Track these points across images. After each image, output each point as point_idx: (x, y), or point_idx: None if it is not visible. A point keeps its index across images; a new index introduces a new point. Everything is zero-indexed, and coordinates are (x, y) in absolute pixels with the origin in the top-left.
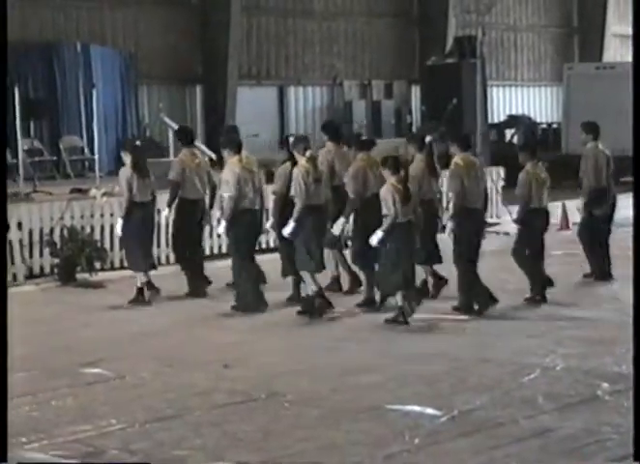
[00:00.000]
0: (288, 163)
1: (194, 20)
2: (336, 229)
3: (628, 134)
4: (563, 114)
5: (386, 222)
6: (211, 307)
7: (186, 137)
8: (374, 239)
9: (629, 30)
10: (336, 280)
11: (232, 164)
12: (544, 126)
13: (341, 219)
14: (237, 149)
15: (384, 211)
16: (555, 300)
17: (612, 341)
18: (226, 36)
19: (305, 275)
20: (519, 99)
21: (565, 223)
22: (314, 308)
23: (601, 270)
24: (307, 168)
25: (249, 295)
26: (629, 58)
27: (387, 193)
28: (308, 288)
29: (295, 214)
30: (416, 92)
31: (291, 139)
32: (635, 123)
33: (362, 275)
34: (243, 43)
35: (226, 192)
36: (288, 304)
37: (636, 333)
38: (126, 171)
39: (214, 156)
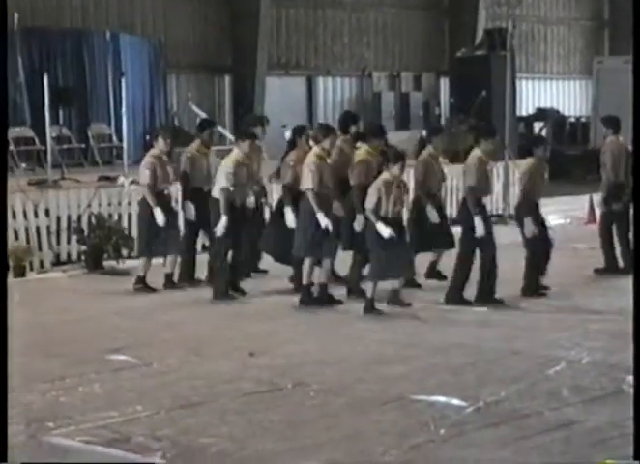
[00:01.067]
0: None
1: (224, 10)
2: (357, 225)
3: None
4: (592, 108)
5: (372, 215)
6: (237, 297)
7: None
8: (384, 233)
9: None
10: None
11: (233, 155)
12: (573, 120)
13: (359, 216)
14: (244, 139)
15: (369, 205)
16: (579, 292)
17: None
18: (256, 26)
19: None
20: (548, 92)
21: (592, 217)
22: (312, 298)
23: (615, 264)
24: (323, 157)
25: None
26: None
27: (375, 189)
28: (322, 275)
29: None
30: (445, 84)
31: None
32: (635, 123)
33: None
34: (272, 33)
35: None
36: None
37: (636, 334)
38: (149, 159)
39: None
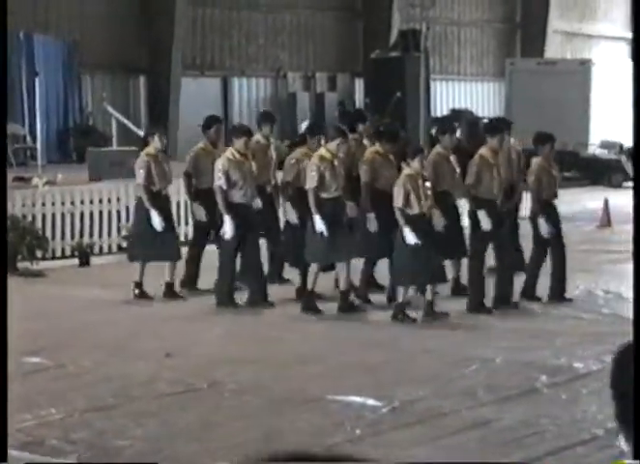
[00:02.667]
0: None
1: (140, 10)
2: (370, 225)
3: (568, 130)
4: (504, 109)
5: (401, 217)
6: (159, 298)
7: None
8: (410, 239)
9: (571, 27)
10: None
11: (226, 153)
12: (486, 120)
13: (370, 216)
14: (239, 136)
15: (397, 203)
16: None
17: (554, 334)
18: (171, 26)
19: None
20: (462, 93)
21: (606, 220)
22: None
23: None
24: (328, 158)
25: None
26: (569, 55)
27: (400, 185)
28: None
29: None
30: (359, 85)
31: (304, 124)
32: (635, 124)
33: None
34: (188, 33)
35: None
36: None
37: (636, 333)
38: (144, 157)
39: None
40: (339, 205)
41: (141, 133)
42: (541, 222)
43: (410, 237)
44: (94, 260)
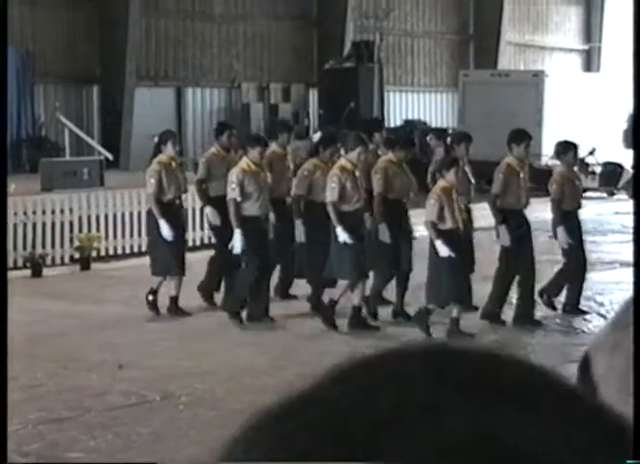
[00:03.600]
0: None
1: (93, 20)
2: (383, 236)
3: None
4: (458, 120)
5: (431, 231)
6: (118, 309)
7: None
8: (444, 251)
9: (524, 38)
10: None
11: (241, 164)
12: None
13: (381, 226)
14: (254, 145)
15: (429, 217)
16: None
17: (516, 340)
18: (124, 36)
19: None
20: (415, 104)
21: None
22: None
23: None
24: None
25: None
26: (523, 66)
27: (435, 198)
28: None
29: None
30: (314, 95)
31: (316, 135)
32: (635, 125)
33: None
34: (141, 43)
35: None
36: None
37: (636, 333)
38: (155, 166)
39: (110, 156)
40: (360, 218)
41: (95, 144)
42: (560, 232)
43: (443, 250)
44: (46, 271)
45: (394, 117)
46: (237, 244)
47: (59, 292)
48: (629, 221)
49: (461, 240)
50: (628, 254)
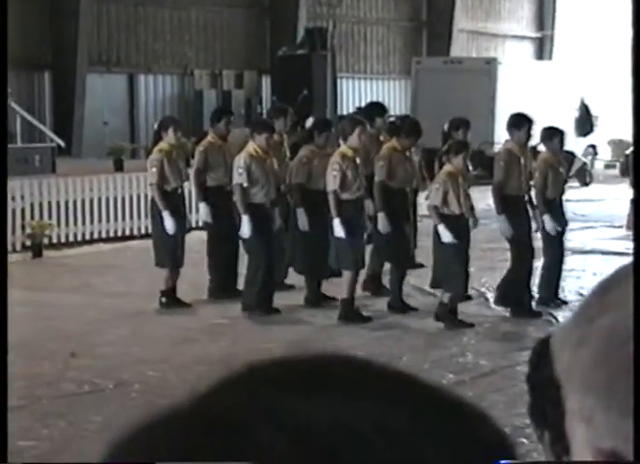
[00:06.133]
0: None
1: (44, 5)
2: (382, 226)
3: (474, 128)
4: (410, 107)
5: (434, 216)
6: (70, 297)
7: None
8: (446, 237)
9: (477, 26)
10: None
11: (248, 148)
12: (392, 119)
13: (380, 215)
14: (261, 132)
15: (433, 201)
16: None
17: (459, 331)
18: (76, 22)
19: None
20: (369, 91)
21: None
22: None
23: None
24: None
25: (256, 296)
26: (475, 54)
27: (440, 182)
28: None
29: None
30: (267, 82)
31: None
32: (635, 124)
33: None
34: (92, 29)
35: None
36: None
37: (636, 332)
38: (157, 155)
39: (62, 143)
40: (360, 206)
41: (47, 131)
42: (547, 219)
43: (446, 235)
44: None
45: (347, 104)
46: (245, 229)
47: (10, 279)
48: (581, 209)
49: (467, 226)
50: (580, 242)
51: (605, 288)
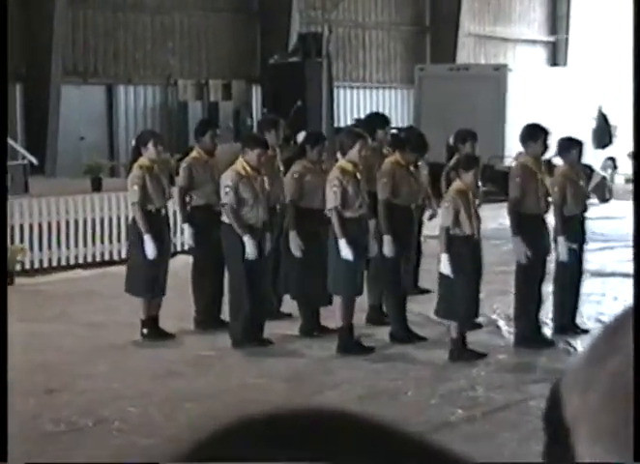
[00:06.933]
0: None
1: (16, 11)
2: (387, 250)
3: (482, 141)
4: (414, 118)
5: (443, 239)
6: (45, 327)
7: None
8: (445, 269)
9: (485, 30)
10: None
11: (236, 166)
12: (394, 131)
13: (387, 238)
14: (253, 147)
15: (445, 222)
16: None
17: (469, 363)
18: (50, 29)
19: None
20: (368, 101)
21: None
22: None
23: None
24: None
25: (243, 327)
26: (483, 59)
27: (449, 201)
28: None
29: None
30: (257, 92)
31: (301, 135)
32: (635, 123)
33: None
34: (68, 37)
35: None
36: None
37: (636, 334)
38: (137, 171)
39: (34, 160)
40: (364, 225)
41: (18, 147)
42: (561, 241)
43: (445, 266)
44: None
45: (345, 116)
46: (250, 249)
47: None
48: (600, 227)
49: (478, 248)
50: (599, 263)
51: (613, 329)
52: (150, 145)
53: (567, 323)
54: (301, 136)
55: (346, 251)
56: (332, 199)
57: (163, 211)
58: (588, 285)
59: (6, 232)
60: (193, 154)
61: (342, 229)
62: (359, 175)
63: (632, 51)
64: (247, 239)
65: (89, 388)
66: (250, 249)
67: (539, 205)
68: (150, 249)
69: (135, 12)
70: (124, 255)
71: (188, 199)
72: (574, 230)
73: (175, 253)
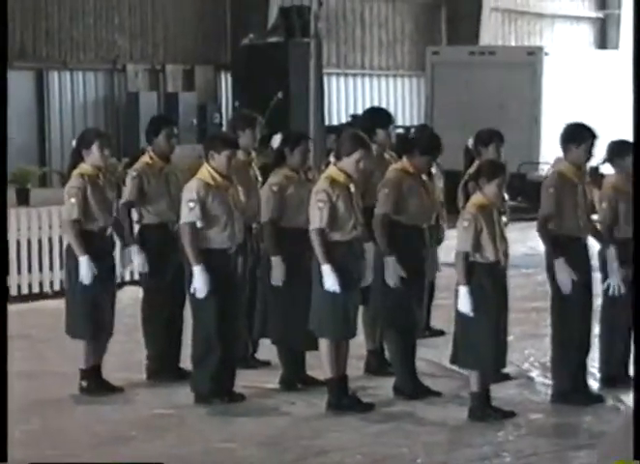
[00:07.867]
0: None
1: None
2: (389, 277)
3: (511, 144)
4: (425, 114)
5: (460, 265)
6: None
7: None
8: (465, 306)
9: (515, 3)
10: None
11: (201, 175)
12: (401, 130)
13: (388, 260)
14: (220, 149)
15: (463, 247)
16: None
17: (493, 424)
18: None
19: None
20: (367, 92)
21: None
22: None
23: None
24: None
25: (209, 379)
26: (514, 41)
27: (470, 220)
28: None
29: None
30: (227, 81)
31: (276, 138)
32: (635, 122)
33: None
34: None
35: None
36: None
37: (637, 334)
38: (77, 180)
39: None
40: (356, 248)
41: None
42: (612, 271)
43: (464, 301)
44: None
45: (339, 111)
46: (199, 285)
47: None
48: None
49: (504, 279)
50: None
51: None
52: (94, 148)
53: (617, 373)
54: (276, 141)
55: (331, 281)
56: (316, 219)
57: (108, 231)
58: None
59: (6, 234)
60: (145, 158)
61: (325, 253)
62: (352, 187)
63: (632, 50)
64: (197, 270)
65: (17, 456)
66: (200, 283)
67: (579, 225)
68: (85, 271)
69: None
70: (57, 287)
71: (137, 217)
72: (628, 257)
73: (122, 284)
